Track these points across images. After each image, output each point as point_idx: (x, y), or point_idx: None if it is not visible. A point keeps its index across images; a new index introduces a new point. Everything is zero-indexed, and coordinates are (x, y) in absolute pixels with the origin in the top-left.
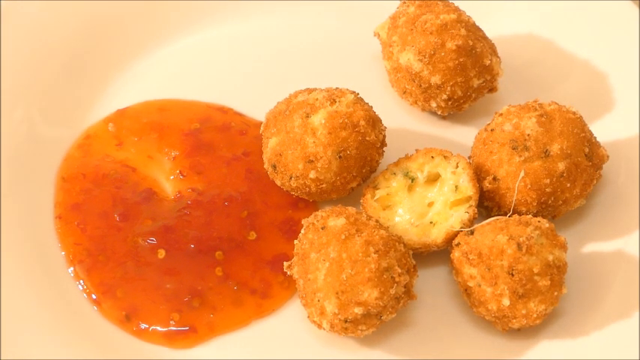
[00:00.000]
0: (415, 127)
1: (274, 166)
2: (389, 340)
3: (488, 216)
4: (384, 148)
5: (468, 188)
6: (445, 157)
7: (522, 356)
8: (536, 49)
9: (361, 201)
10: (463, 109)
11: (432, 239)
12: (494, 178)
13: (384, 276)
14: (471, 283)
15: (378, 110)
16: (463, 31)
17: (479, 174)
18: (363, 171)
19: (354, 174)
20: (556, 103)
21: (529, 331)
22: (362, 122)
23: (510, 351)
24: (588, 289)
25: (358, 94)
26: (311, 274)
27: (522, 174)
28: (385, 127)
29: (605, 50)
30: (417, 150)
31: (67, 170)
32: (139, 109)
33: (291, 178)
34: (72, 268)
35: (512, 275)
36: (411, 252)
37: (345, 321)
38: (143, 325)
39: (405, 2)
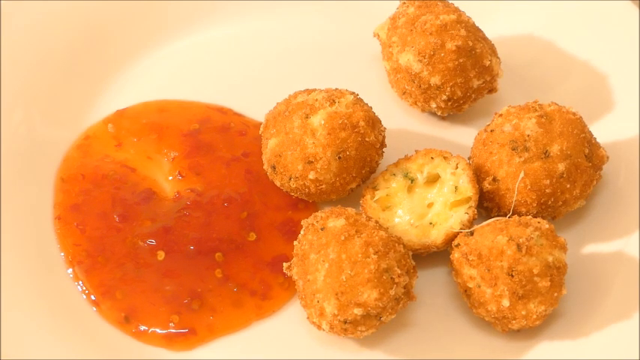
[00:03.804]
0: (415, 128)
1: (274, 167)
2: (389, 341)
3: (488, 217)
4: (384, 149)
5: (468, 189)
6: (445, 157)
7: (522, 357)
8: (536, 49)
9: (361, 202)
10: (463, 110)
11: (432, 240)
12: (494, 179)
13: (384, 277)
14: (470, 284)
15: (378, 111)
16: (463, 32)
17: (478, 175)
18: (363, 172)
19: (354, 175)
20: (556, 104)
21: (529, 332)
22: (361, 123)
23: (510, 352)
24: (588, 290)
25: (358, 94)
26: (310, 275)
27: (522, 175)
28: (385, 128)
29: (605, 50)
30: (416, 151)
31: (67, 171)
32: (139, 110)
33: (290, 178)
34: (71, 269)
35: (512, 276)
36: (410, 253)
37: (345, 322)
38: (142, 327)
39: (404, 3)
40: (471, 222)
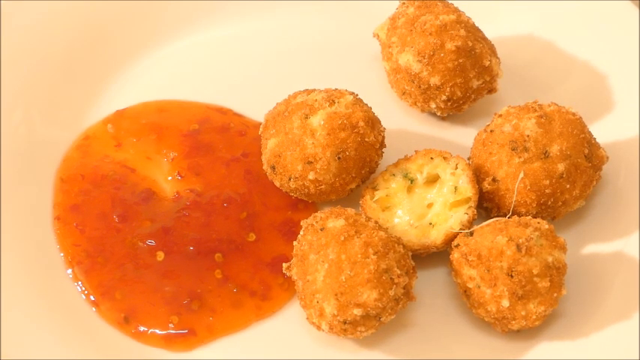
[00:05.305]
0: (414, 128)
1: (273, 167)
2: (388, 342)
3: (488, 217)
4: (383, 149)
5: (468, 189)
6: (444, 158)
7: (522, 357)
8: (535, 49)
9: (360, 202)
10: (462, 110)
11: (432, 240)
12: (494, 179)
13: (383, 277)
14: (470, 285)
15: (377, 111)
16: (462, 32)
17: (478, 175)
18: (362, 172)
19: (353, 175)
20: (556, 104)
21: (528, 332)
22: (361, 123)
23: (510, 352)
24: (588, 290)
25: (357, 94)
26: (310, 275)
27: (522, 175)
28: (384, 128)
29: (605, 50)
30: (416, 151)
31: (66, 171)
32: (138, 110)
33: (290, 179)
34: (70, 270)
35: (512, 276)
36: (410, 253)
37: (344, 322)
38: (142, 328)
39: (404, 3)
40: (471, 222)
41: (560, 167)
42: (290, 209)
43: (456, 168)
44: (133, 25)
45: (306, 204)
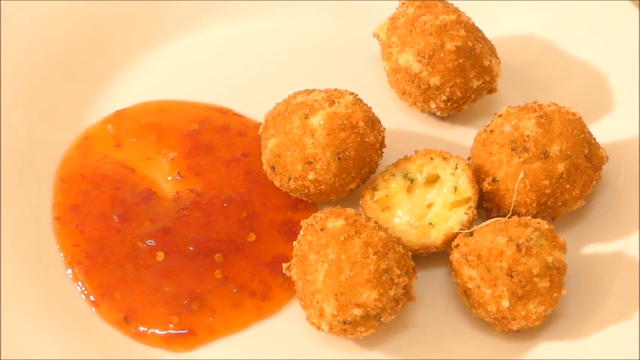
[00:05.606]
0: (414, 128)
1: (273, 168)
2: (388, 342)
3: (488, 217)
4: (383, 150)
5: (467, 189)
6: (444, 158)
7: (522, 357)
8: (535, 50)
9: (360, 202)
10: (462, 110)
11: (431, 240)
12: (494, 180)
13: (383, 277)
14: (470, 285)
15: (377, 111)
16: (462, 32)
17: (478, 175)
18: (362, 172)
19: (353, 175)
20: (555, 104)
21: (528, 332)
22: (361, 123)
23: (510, 352)
24: (588, 290)
25: (357, 95)
26: (310, 275)
27: (522, 175)
28: (384, 128)
29: (605, 51)
30: (416, 151)
31: (66, 171)
32: (138, 110)
33: (290, 179)
34: (70, 270)
35: (512, 277)
36: (410, 253)
37: (344, 322)
38: (142, 328)
39: (404, 3)
40: (471, 222)
41: (560, 167)
42: (290, 209)
43: (456, 168)
44: (133, 25)
45: (306, 204)
